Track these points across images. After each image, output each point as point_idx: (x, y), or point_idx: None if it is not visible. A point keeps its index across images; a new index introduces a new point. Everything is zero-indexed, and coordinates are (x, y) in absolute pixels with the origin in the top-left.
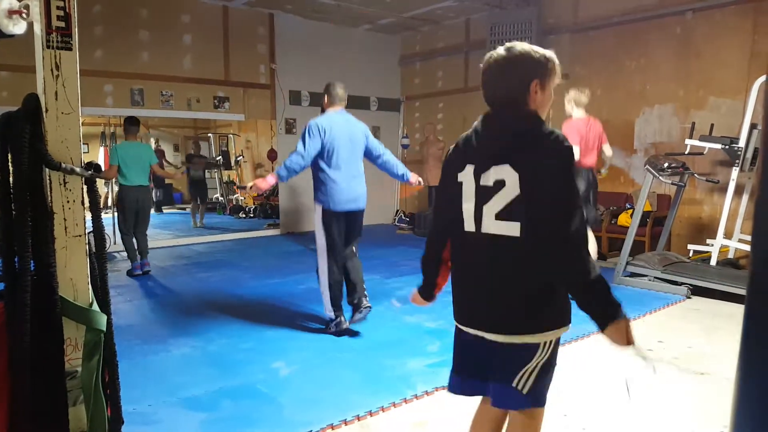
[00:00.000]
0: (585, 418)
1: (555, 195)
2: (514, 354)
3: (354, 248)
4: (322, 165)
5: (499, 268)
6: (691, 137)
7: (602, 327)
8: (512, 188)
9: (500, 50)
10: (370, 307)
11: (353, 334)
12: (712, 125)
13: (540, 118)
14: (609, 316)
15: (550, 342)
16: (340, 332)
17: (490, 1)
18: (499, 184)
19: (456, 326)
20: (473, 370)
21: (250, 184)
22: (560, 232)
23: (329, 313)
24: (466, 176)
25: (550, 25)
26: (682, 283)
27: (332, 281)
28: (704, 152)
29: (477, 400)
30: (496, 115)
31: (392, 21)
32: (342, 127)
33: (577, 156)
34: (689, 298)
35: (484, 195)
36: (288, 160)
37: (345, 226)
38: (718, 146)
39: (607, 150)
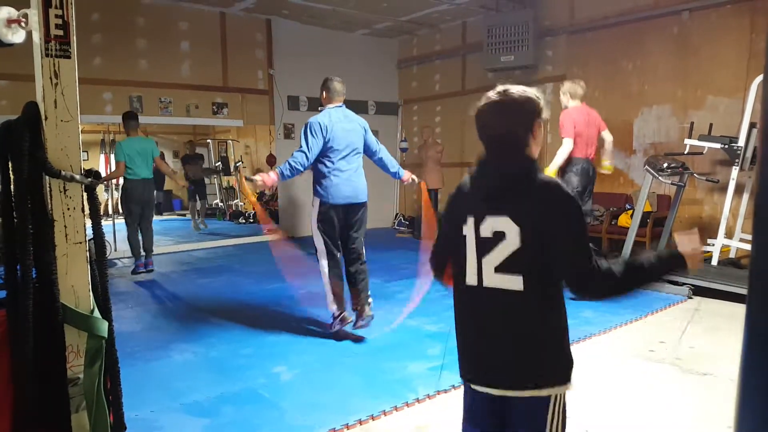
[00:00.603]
0: (587, 419)
1: (571, 243)
2: (533, 409)
3: (361, 252)
4: (324, 160)
5: (504, 322)
6: (690, 137)
7: (682, 268)
8: (512, 241)
9: (496, 93)
10: (372, 315)
11: (357, 339)
12: (711, 125)
13: (537, 165)
14: (672, 265)
15: (560, 396)
16: (342, 329)
17: (486, 4)
18: (499, 236)
19: (464, 383)
20: (491, 425)
21: (257, 177)
22: (583, 275)
23: (332, 307)
24: (469, 229)
25: (546, 26)
26: (683, 284)
27: (332, 275)
28: (704, 152)
29: None
30: (492, 160)
31: (389, 25)
32: (342, 123)
33: (570, 147)
34: (691, 298)
35: (483, 247)
36: (291, 159)
37: (344, 219)
38: (718, 146)
39: (607, 136)
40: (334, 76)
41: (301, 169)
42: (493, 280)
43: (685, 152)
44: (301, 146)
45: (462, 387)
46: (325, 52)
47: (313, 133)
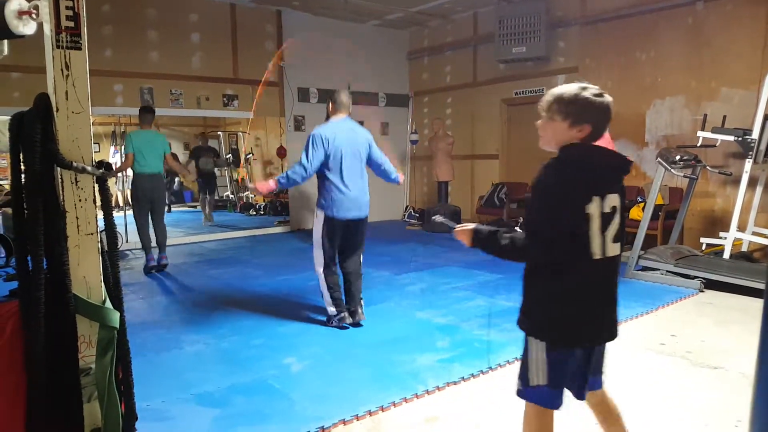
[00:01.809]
0: None
1: None
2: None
3: (359, 261)
4: (327, 173)
5: (615, 283)
6: (703, 129)
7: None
8: (619, 213)
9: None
10: (364, 318)
11: (356, 325)
12: (725, 117)
13: None
14: None
15: None
16: (341, 327)
17: None
18: (614, 210)
19: (562, 350)
20: (580, 379)
21: (252, 185)
22: None
23: (330, 309)
24: (595, 207)
25: (558, 17)
26: (694, 277)
27: (330, 283)
28: (717, 144)
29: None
30: (601, 148)
31: (400, 16)
32: (346, 135)
33: None
34: (702, 291)
35: (605, 222)
36: (291, 170)
37: (346, 233)
38: (731, 138)
39: None
40: (342, 89)
41: (299, 181)
42: (612, 249)
43: (698, 144)
44: (301, 159)
45: (465, 378)
46: (335, 43)
47: (315, 145)
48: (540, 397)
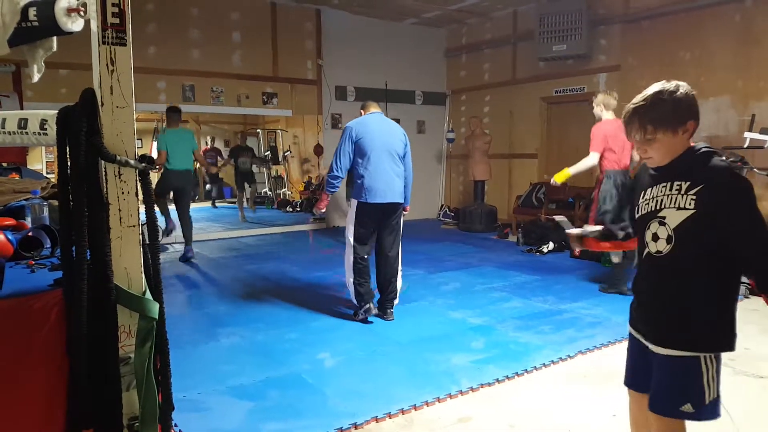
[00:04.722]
0: None
1: None
2: None
3: (396, 257)
4: (358, 161)
5: None
6: (750, 130)
7: None
8: None
9: None
10: (393, 319)
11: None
12: None
13: None
14: None
15: None
16: (366, 319)
17: None
18: None
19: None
20: None
21: (317, 210)
22: None
23: (355, 300)
24: None
25: (600, 15)
26: (741, 283)
27: (356, 269)
28: (765, 146)
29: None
30: None
31: (438, 14)
32: (376, 125)
33: (594, 161)
34: (747, 297)
35: None
36: (328, 174)
37: (379, 219)
38: None
39: (635, 155)
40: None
41: (341, 176)
42: None
43: (745, 146)
44: (333, 156)
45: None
46: (373, 42)
47: (343, 139)
48: (713, 410)
